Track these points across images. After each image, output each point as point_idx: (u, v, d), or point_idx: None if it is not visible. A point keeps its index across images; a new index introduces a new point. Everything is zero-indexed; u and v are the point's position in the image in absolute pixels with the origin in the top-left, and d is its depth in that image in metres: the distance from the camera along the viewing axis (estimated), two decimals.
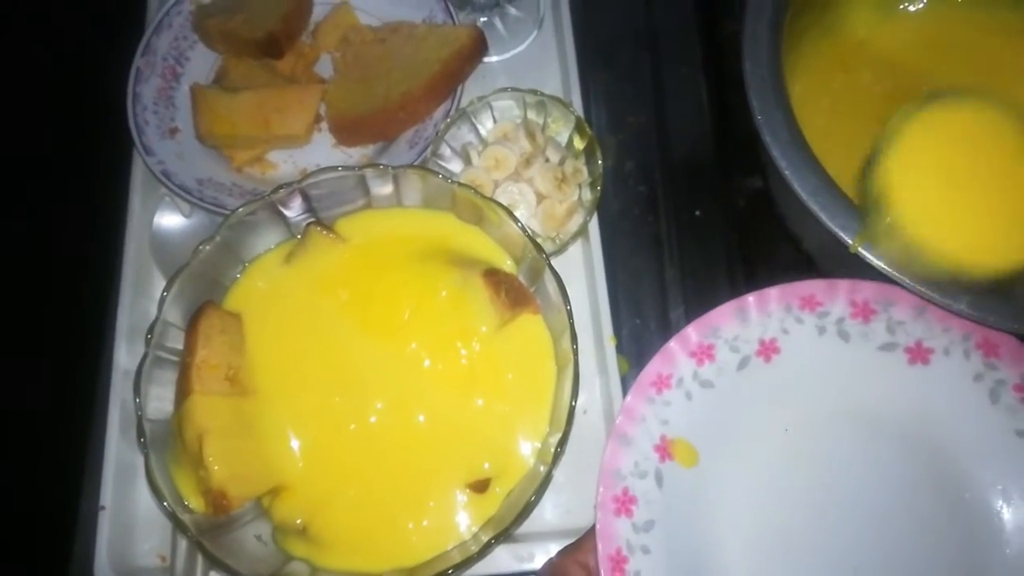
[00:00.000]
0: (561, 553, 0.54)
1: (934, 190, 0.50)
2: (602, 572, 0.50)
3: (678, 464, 0.54)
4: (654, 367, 0.55)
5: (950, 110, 0.51)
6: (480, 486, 0.53)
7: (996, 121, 0.51)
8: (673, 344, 0.55)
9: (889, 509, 0.53)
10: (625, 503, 0.52)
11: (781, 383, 0.55)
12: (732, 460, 0.55)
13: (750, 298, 0.55)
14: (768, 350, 0.55)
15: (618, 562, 0.51)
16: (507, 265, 0.59)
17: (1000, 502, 0.52)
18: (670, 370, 0.55)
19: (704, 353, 0.55)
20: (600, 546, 0.51)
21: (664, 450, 0.54)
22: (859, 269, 0.50)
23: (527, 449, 0.54)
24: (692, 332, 0.55)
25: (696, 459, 0.54)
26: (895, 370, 0.54)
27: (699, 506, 0.53)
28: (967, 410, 0.53)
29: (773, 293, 0.55)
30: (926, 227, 0.48)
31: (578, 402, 0.52)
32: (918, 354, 0.54)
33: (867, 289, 0.54)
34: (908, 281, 0.48)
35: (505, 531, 0.50)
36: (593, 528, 0.52)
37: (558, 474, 0.52)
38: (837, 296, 0.54)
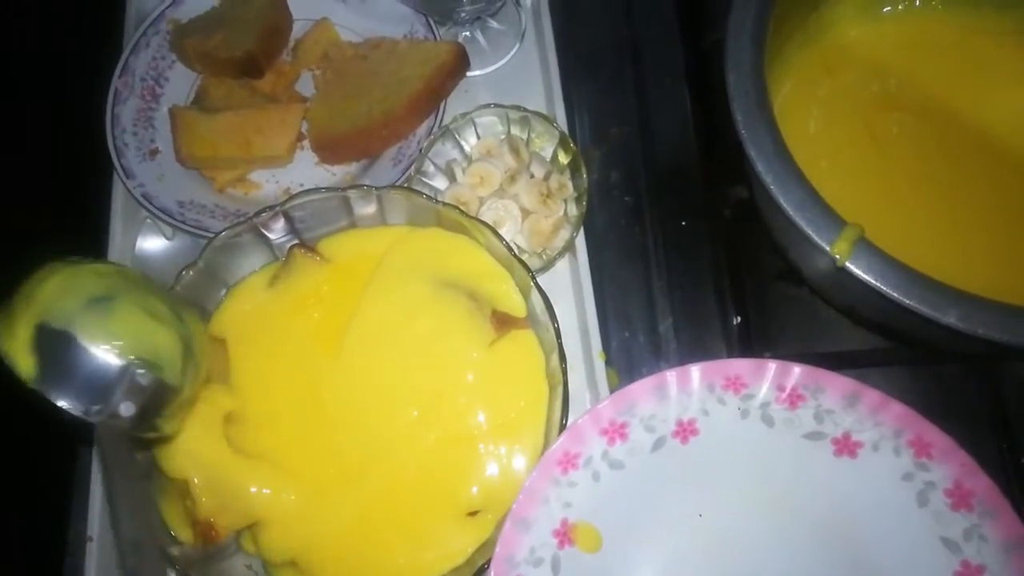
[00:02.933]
0: None
1: None
2: None
3: (578, 550, 0.50)
4: (562, 445, 0.51)
5: None
6: (473, 512, 0.52)
7: None
8: (584, 421, 0.52)
9: None
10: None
11: (697, 467, 0.52)
12: (639, 546, 0.51)
13: (670, 375, 0.52)
14: (686, 431, 0.52)
15: None
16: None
17: None
18: (579, 448, 0.51)
19: (616, 432, 0.52)
20: None
21: (564, 535, 0.50)
22: (845, 280, 0.50)
23: (519, 473, 0.53)
24: (606, 408, 0.52)
25: (599, 544, 0.51)
26: (820, 461, 0.51)
27: None
28: (892, 511, 0.50)
29: (695, 371, 0.52)
30: None
31: (568, 420, 0.52)
32: (845, 446, 0.51)
33: (796, 373, 0.51)
34: (895, 294, 0.48)
35: None
36: None
37: None
38: (764, 378, 0.52)
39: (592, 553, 0.50)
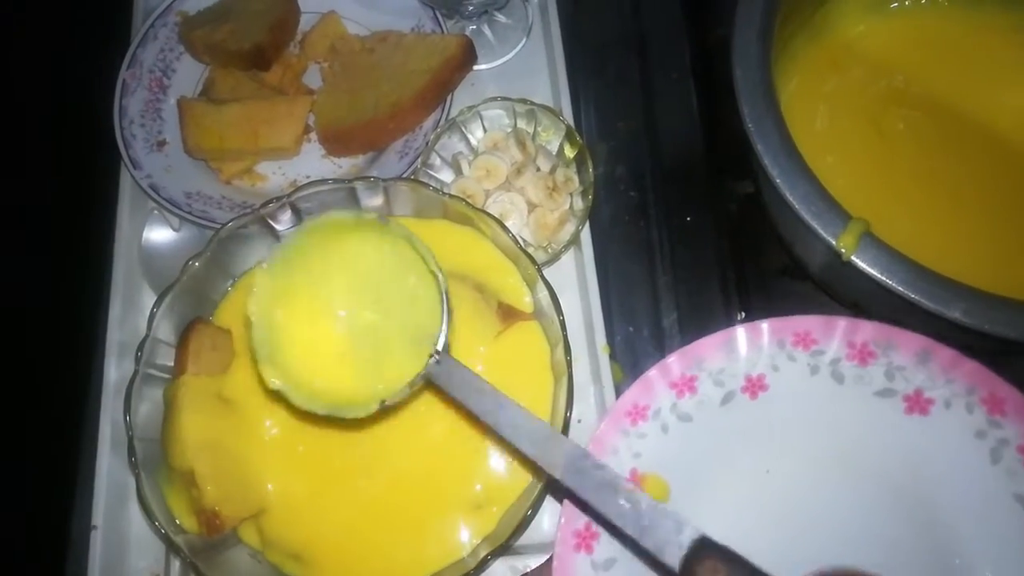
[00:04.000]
0: None
1: None
2: None
3: None
4: (631, 396, 0.52)
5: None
6: (477, 505, 0.53)
7: None
8: (653, 373, 0.52)
9: (871, 564, 0.50)
10: (586, 539, 0.49)
11: (766, 422, 0.52)
12: (706, 499, 0.51)
13: (740, 330, 0.52)
14: (755, 387, 0.52)
15: None
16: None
17: (989, 573, 0.48)
18: (647, 401, 0.52)
19: (685, 385, 0.52)
20: None
21: (634, 484, 0.50)
22: (850, 274, 0.50)
23: (523, 465, 0.53)
24: (674, 362, 0.52)
25: (667, 496, 0.51)
26: (890, 418, 0.51)
27: None
28: (964, 468, 0.49)
29: (765, 327, 0.52)
30: None
31: (572, 413, 0.52)
32: (917, 403, 0.50)
33: (867, 330, 0.51)
34: (900, 288, 0.48)
35: (502, 546, 0.49)
36: (549, 561, 0.49)
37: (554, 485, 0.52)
38: (834, 335, 0.51)
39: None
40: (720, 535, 0.50)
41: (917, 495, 0.50)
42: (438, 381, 0.46)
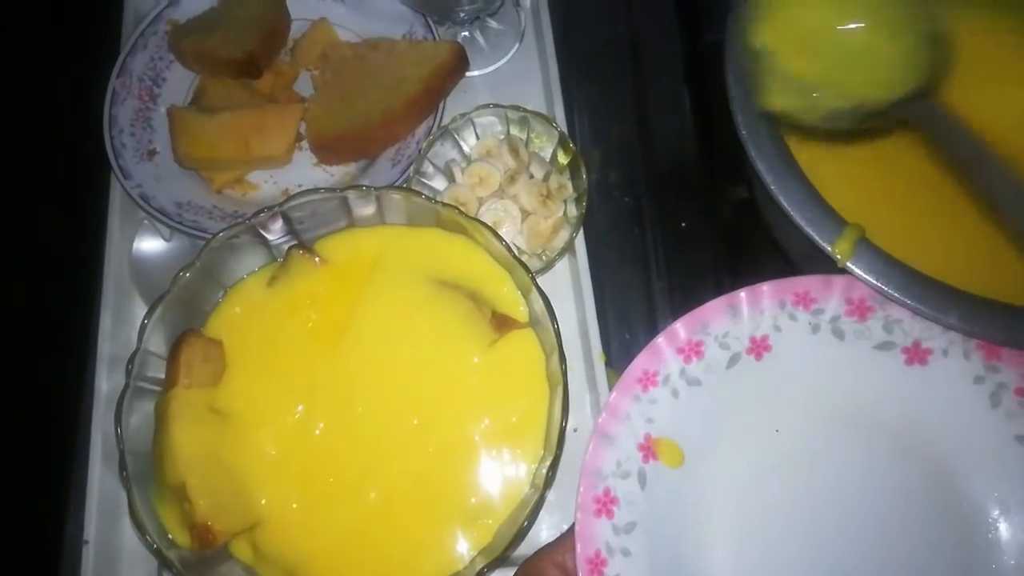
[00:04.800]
0: (538, 553, 0.52)
1: None
2: (580, 574, 0.48)
3: (663, 464, 0.52)
4: (640, 364, 0.52)
5: None
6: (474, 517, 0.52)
7: None
8: (660, 340, 0.53)
9: (881, 514, 0.52)
10: (606, 504, 0.50)
11: (772, 382, 0.53)
12: (719, 461, 0.53)
13: (742, 294, 0.53)
14: (759, 348, 0.53)
15: (597, 564, 0.48)
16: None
17: (996, 511, 0.50)
18: (656, 367, 0.53)
19: (692, 350, 0.53)
20: (579, 547, 0.48)
21: (648, 449, 0.51)
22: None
23: (520, 476, 0.53)
24: (680, 328, 0.53)
25: (682, 459, 0.52)
26: (891, 371, 0.52)
27: (684, 508, 0.52)
28: (966, 414, 0.51)
29: (766, 289, 0.53)
30: None
31: (568, 422, 0.52)
32: (916, 354, 0.52)
33: (864, 286, 0.52)
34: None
35: (499, 558, 0.49)
36: (572, 528, 0.50)
37: (550, 494, 0.52)
38: (832, 293, 0.52)
39: (675, 468, 0.52)
40: (735, 494, 0.52)
41: (922, 443, 0.52)
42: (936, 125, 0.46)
